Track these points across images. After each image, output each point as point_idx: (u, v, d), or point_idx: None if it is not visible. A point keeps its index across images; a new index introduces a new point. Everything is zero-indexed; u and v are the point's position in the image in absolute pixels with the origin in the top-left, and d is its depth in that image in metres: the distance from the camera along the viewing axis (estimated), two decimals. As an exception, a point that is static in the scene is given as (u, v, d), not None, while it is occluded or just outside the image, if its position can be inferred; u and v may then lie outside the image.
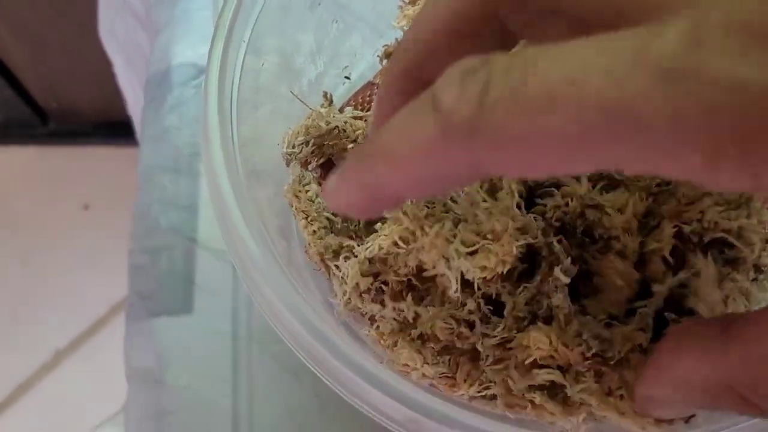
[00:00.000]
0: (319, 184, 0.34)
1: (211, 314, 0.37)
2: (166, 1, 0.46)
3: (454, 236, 0.24)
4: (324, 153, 0.33)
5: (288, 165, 0.32)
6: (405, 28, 0.34)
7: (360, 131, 0.32)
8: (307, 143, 0.32)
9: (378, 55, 0.38)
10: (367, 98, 0.35)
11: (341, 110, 0.34)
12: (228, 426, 0.34)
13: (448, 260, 0.24)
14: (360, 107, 0.35)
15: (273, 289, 0.23)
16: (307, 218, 0.30)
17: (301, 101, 0.31)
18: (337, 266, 0.28)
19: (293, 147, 0.31)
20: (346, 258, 0.28)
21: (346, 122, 0.32)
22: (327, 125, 0.31)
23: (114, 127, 1.13)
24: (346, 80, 0.37)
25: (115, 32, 0.58)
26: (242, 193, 0.25)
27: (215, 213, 0.25)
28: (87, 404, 1.06)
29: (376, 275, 0.26)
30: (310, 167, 0.33)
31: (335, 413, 0.34)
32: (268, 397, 0.35)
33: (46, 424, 1.06)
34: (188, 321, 0.37)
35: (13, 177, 1.23)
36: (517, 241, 0.23)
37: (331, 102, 0.35)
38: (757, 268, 0.29)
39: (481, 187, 0.25)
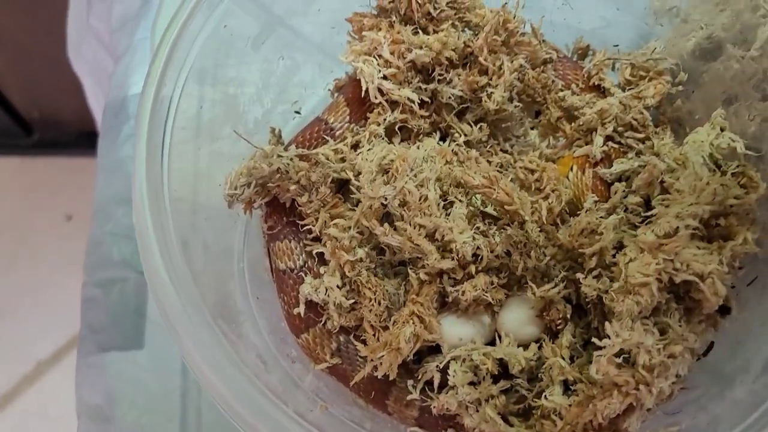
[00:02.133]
0: (266, 222, 0.34)
1: (161, 350, 0.37)
2: (125, 29, 0.46)
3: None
4: (269, 192, 0.33)
5: (230, 206, 0.32)
6: (353, 63, 0.34)
7: (302, 172, 0.32)
8: (249, 185, 0.31)
9: (329, 89, 0.38)
10: (314, 134, 0.35)
11: (287, 147, 0.34)
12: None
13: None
14: (307, 144, 0.35)
15: (202, 357, 0.23)
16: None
17: (246, 140, 0.31)
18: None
19: (235, 188, 0.31)
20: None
21: (289, 163, 0.31)
22: (269, 166, 0.31)
23: (96, 138, 1.12)
24: (297, 115, 0.37)
25: (83, 54, 0.58)
26: (169, 252, 0.25)
27: (148, 281, 0.25)
28: (70, 415, 1.06)
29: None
30: (255, 206, 0.33)
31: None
32: None
33: (28, 436, 1.06)
34: (139, 356, 0.37)
35: (-4, 187, 1.23)
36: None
37: (279, 138, 0.35)
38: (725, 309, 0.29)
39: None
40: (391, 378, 0.30)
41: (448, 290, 0.30)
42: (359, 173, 0.32)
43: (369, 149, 0.32)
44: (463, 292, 0.30)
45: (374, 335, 0.30)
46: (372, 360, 0.29)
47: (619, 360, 0.26)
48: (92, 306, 0.38)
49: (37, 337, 1.24)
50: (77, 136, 1.22)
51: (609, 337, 0.26)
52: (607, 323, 0.26)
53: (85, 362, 0.37)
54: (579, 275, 0.29)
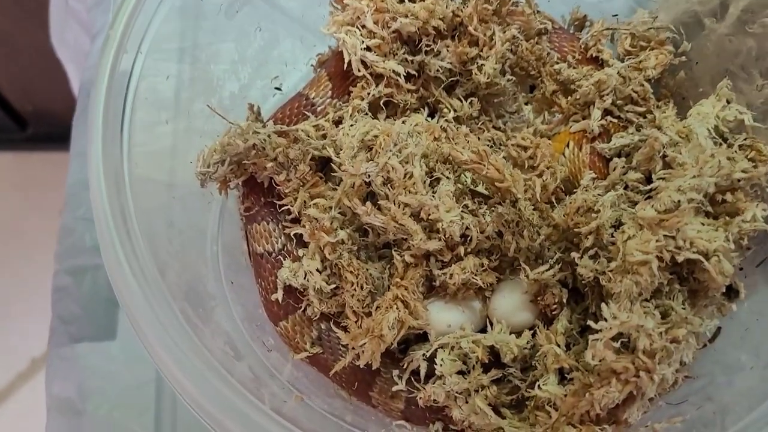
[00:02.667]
0: (242, 203, 0.32)
1: (135, 340, 0.35)
2: (101, 5, 0.44)
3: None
4: (245, 171, 0.31)
5: (203, 185, 0.30)
6: (335, 34, 0.32)
7: (280, 149, 0.30)
8: (223, 162, 0.29)
9: (312, 65, 0.36)
10: (294, 110, 0.33)
11: (266, 124, 0.32)
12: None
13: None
14: (287, 120, 0.32)
15: (166, 352, 0.21)
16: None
17: (221, 116, 0.29)
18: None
19: (208, 166, 0.29)
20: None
21: (266, 139, 0.29)
22: (245, 143, 0.29)
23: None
24: (277, 91, 0.35)
25: (65, 40, 0.57)
26: (129, 234, 0.23)
27: (107, 267, 0.23)
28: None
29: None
30: (231, 186, 0.31)
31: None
32: (192, 429, 0.33)
33: (23, 433, 1.05)
34: (111, 347, 0.35)
35: (-11, 183, 1.21)
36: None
37: (258, 115, 0.33)
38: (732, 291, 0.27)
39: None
40: (374, 367, 0.27)
41: (435, 273, 0.28)
42: (341, 150, 0.30)
43: (351, 125, 0.30)
44: (451, 275, 0.28)
45: (356, 322, 0.28)
46: (354, 348, 0.27)
47: (617, 345, 0.24)
48: (63, 296, 0.36)
49: (31, 334, 1.23)
50: (69, 130, 1.20)
51: (606, 320, 0.24)
52: (604, 305, 0.24)
53: (56, 354, 0.35)
54: (575, 255, 0.27)
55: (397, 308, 0.27)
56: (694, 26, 0.32)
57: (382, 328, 0.27)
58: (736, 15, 0.30)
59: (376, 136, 0.30)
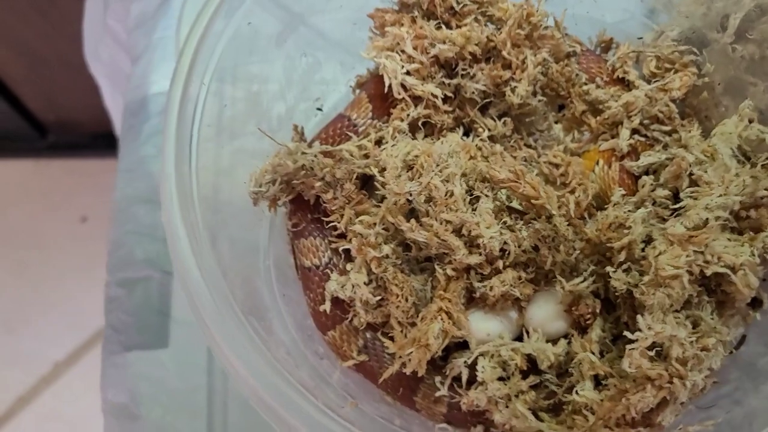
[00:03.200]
0: (290, 219, 0.34)
1: (186, 348, 0.37)
2: (143, 28, 0.46)
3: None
4: (293, 189, 0.33)
5: (255, 204, 0.32)
6: (375, 58, 0.34)
7: (327, 169, 0.32)
8: (274, 182, 0.31)
9: (351, 86, 0.38)
10: (337, 131, 0.35)
11: (311, 144, 0.34)
12: (201, 464, 0.35)
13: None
14: (330, 141, 0.34)
15: (233, 352, 0.23)
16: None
17: (270, 138, 0.31)
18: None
19: (260, 186, 0.31)
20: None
21: (314, 159, 0.31)
22: (294, 163, 0.31)
23: (112, 139, 1.13)
24: (319, 112, 0.37)
25: (99, 56, 0.59)
26: (201, 249, 0.25)
27: (178, 277, 0.25)
28: (89, 417, 1.07)
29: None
30: (279, 203, 0.33)
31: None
32: (242, 430, 0.35)
33: (47, 437, 1.07)
34: (163, 355, 0.37)
35: (10, 190, 1.24)
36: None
37: (302, 135, 0.35)
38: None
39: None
40: (419, 374, 0.29)
41: (475, 286, 0.30)
42: (384, 169, 0.32)
43: (393, 145, 0.32)
44: (491, 287, 0.30)
45: (402, 332, 0.30)
46: (400, 357, 0.29)
47: (652, 353, 0.26)
48: (115, 306, 0.38)
49: (53, 338, 1.25)
50: (92, 138, 1.23)
51: (641, 330, 0.26)
52: (639, 316, 0.26)
53: (109, 362, 0.37)
54: (609, 269, 0.29)
55: (441, 319, 0.29)
56: (699, 42, 0.34)
57: (428, 338, 0.29)
58: (735, 24, 0.32)
59: (417, 156, 0.32)
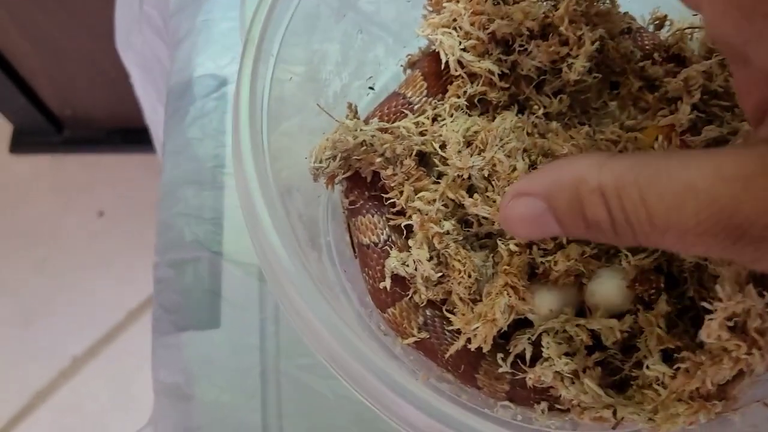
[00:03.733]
0: (347, 197, 0.34)
1: (238, 328, 0.37)
2: (185, 12, 0.46)
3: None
4: (351, 166, 0.33)
5: (315, 180, 0.32)
6: (431, 36, 0.34)
7: (387, 145, 0.31)
8: (334, 158, 0.31)
9: (401, 65, 0.38)
10: (393, 109, 0.34)
11: (366, 122, 0.34)
12: (258, 443, 0.34)
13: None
14: (386, 118, 0.34)
15: (306, 303, 0.23)
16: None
17: (329, 114, 0.31)
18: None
19: (320, 162, 0.31)
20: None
21: (373, 135, 0.31)
22: (354, 139, 0.31)
23: (128, 134, 1.13)
24: (370, 90, 0.37)
25: (132, 43, 0.59)
26: (275, 205, 0.25)
27: (247, 225, 0.26)
28: (107, 411, 1.07)
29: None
30: (336, 180, 0.33)
31: (368, 430, 0.34)
32: (298, 412, 0.35)
33: (64, 432, 1.07)
34: (215, 335, 0.37)
35: (27, 185, 1.25)
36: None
37: (356, 113, 0.35)
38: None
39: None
40: (485, 350, 0.29)
41: (538, 261, 0.30)
42: (444, 145, 0.31)
43: (452, 121, 0.32)
44: (556, 262, 0.29)
45: (466, 307, 0.30)
46: (466, 333, 0.29)
47: (731, 324, 0.26)
48: (165, 287, 0.38)
49: (72, 333, 1.26)
50: (108, 134, 1.24)
51: (721, 300, 0.25)
52: (717, 286, 0.26)
53: (160, 342, 0.37)
54: None
55: (507, 294, 0.29)
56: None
57: (495, 313, 0.29)
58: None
59: (477, 132, 0.32)
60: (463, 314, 0.29)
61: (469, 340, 0.29)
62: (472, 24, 0.33)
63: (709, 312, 0.26)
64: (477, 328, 0.28)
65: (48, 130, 1.24)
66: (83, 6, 0.93)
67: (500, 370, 0.30)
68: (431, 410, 0.23)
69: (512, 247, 0.30)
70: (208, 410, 0.35)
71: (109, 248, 1.20)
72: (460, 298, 0.30)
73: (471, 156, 0.30)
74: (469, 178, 0.31)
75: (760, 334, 0.25)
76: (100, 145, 1.20)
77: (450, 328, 0.29)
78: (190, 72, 0.43)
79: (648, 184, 0.17)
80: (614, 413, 0.29)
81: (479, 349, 0.30)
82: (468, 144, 0.31)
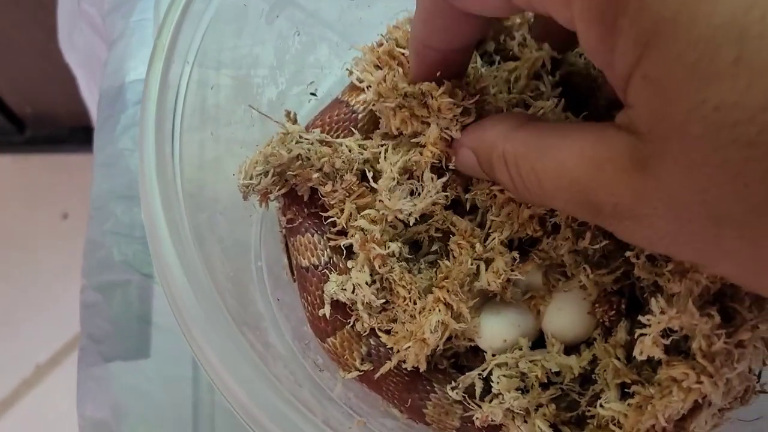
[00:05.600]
0: (284, 215, 0.30)
1: (169, 358, 0.34)
2: (120, 11, 0.42)
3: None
4: (287, 182, 0.29)
5: (245, 198, 0.28)
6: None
7: (326, 159, 0.28)
8: (266, 173, 0.28)
9: (347, 68, 0.34)
10: (335, 118, 0.31)
11: (307, 130, 0.30)
12: (188, 486, 0.31)
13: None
14: (328, 128, 0.31)
15: (225, 366, 0.20)
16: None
17: (267, 116, 0.27)
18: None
19: (251, 178, 0.27)
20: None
21: (309, 149, 0.27)
22: (289, 153, 0.27)
23: (90, 133, 1.07)
24: (312, 97, 0.33)
25: (74, 43, 0.54)
26: (184, 239, 0.21)
27: (155, 267, 0.22)
28: (69, 420, 1.02)
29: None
30: (271, 197, 0.29)
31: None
32: None
33: (29, 441, 1.02)
34: (145, 366, 0.34)
35: (-13, 187, 1.18)
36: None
37: (295, 122, 0.31)
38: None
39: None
40: (421, 370, 0.26)
41: (480, 269, 0.26)
42: (378, 174, 0.28)
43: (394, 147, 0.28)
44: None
45: (403, 326, 0.26)
46: (398, 351, 0.26)
47: (667, 342, 0.22)
48: (93, 313, 0.34)
49: (35, 340, 1.19)
50: (71, 132, 1.17)
51: (654, 314, 0.22)
52: (653, 299, 0.23)
53: (87, 374, 0.34)
54: (629, 254, 0.25)
55: (439, 310, 0.26)
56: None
57: (424, 332, 0.25)
58: None
59: (417, 162, 0.28)
60: (396, 332, 0.25)
61: (402, 361, 0.25)
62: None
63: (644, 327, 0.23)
64: (408, 347, 0.25)
65: (9, 130, 1.17)
66: (36, 1, 0.87)
67: (452, 396, 0.26)
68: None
69: (453, 246, 0.26)
70: (136, 450, 0.31)
71: (74, 251, 1.13)
72: (402, 323, 0.26)
73: (404, 198, 0.26)
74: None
75: (709, 359, 0.22)
76: (63, 144, 1.14)
77: (389, 346, 0.26)
78: (123, 76, 0.39)
79: (537, 158, 0.19)
80: None
81: (428, 380, 0.26)
82: (406, 173, 0.27)
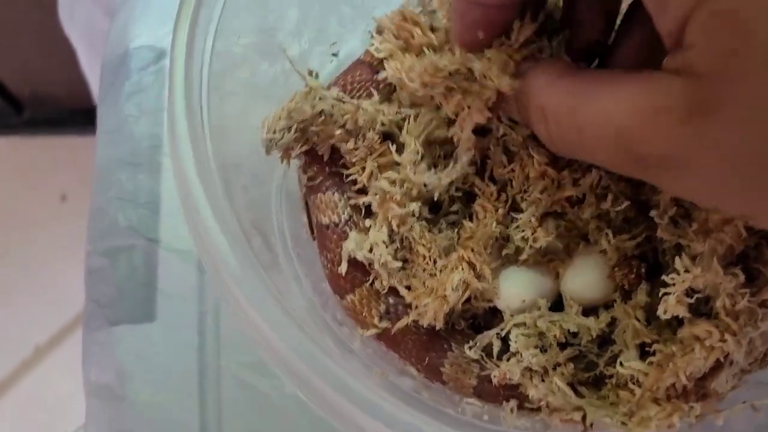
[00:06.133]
0: (305, 172, 0.29)
1: (175, 322, 0.32)
2: (122, -22, 0.40)
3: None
4: (309, 139, 0.27)
5: (268, 153, 0.27)
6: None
7: (348, 116, 0.26)
8: (289, 128, 0.27)
9: (369, 31, 0.33)
10: (357, 78, 0.30)
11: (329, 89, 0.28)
12: (195, 447, 0.29)
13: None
14: (349, 89, 0.29)
15: (249, 298, 0.18)
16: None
17: (294, 67, 0.25)
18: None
19: (274, 132, 0.26)
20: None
21: (333, 105, 0.26)
22: (312, 108, 0.26)
23: (91, 114, 1.04)
24: (334, 58, 0.32)
25: (75, 17, 0.52)
26: (214, 186, 0.20)
27: (184, 212, 0.21)
28: (70, 400, 0.99)
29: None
30: (293, 154, 0.28)
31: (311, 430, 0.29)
32: (239, 414, 0.30)
33: (27, 423, 0.99)
34: (150, 330, 0.32)
35: (-14, 169, 1.14)
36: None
37: (317, 79, 0.30)
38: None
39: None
40: (437, 327, 0.25)
41: (510, 234, 0.25)
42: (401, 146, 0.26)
43: (415, 118, 0.26)
44: (536, 239, 0.25)
45: (423, 283, 0.25)
46: (417, 307, 0.24)
47: (691, 300, 0.22)
48: (98, 278, 0.33)
49: (34, 321, 1.16)
50: (70, 114, 1.14)
51: (678, 273, 0.22)
52: (677, 258, 0.22)
53: (92, 339, 0.32)
54: (653, 214, 0.24)
55: (462, 269, 0.25)
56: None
57: (446, 289, 0.24)
58: None
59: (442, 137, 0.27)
60: (416, 288, 0.24)
61: (420, 318, 0.24)
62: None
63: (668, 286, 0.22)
64: (427, 303, 0.24)
65: (7, 112, 1.13)
66: (32, -24, 0.84)
67: (469, 353, 0.25)
68: (386, 417, 0.18)
69: (477, 208, 0.25)
70: (142, 411, 0.30)
71: (73, 233, 1.10)
72: (423, 283, 0.25)
73: (428, 170, 0.25)
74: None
75: (733, 317, 0.21)
76: (62, 126, 1.10)
77: (408, 301, 0.25)
78: (126, 44, 0.37)
79: (579, 108, 0.18)
80: (583, 417, 0.25)
81: (446, 339, 0.25)
82: (429, 145, 0.26)
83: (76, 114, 1.10)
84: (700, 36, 0.14)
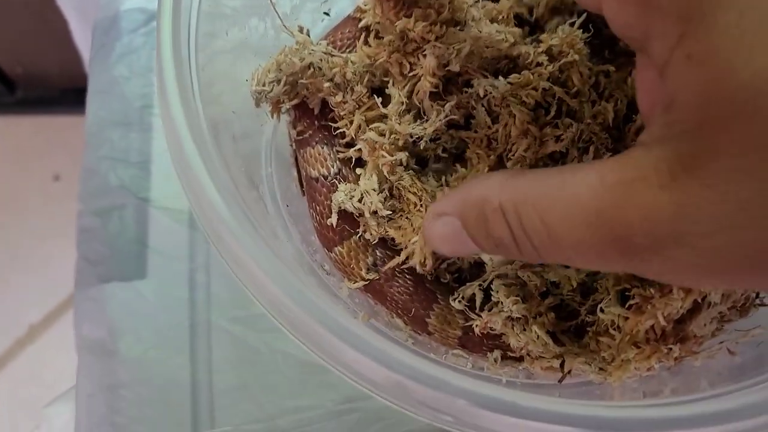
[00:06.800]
0: (294, 127, 0.28)
1: (166, 279, 0.32)
2: (115, -62, 0.38)
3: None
4: (298, 93, 0.27)
5: (257, 105, 0.26)
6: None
7: (337, 69, 0.26)
8: (278, 81, 0.26)
9: (361, -13, 0.32)
10: (346, 34, 0.29)
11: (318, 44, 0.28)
12: (186, 400, 0.29)
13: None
14: (339, 45, 0.28)
15: (240, 243, 0.18)
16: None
17: (281, 21, 0.24)
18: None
19: (263, 85, 0.25)
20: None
21: (322, 59, 0.25)
22: (301, 61, 0.25)
23: (84, 93, 1.01)
24: (326, 16, 0.31)
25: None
26: (204, 138, 0.19)
27: (174, 163, 0.20)
28: (64, 379, 0.98)
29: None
30: (282, 108, 0.27)
31: (305, 384, 0.29)
32: (230, 368, 0.30)
33: (22, 401, 0.98)
34: (142, 287, 0.32)
35: (-21, 149, 1.11)
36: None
37: (307, 36, 0.29)
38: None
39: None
40: (427, 267, 0.25)
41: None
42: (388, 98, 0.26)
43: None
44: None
45: (406, 222, 0.25)
46: (406, 247, 0.24)
47: None
48: (89, 237, 0.32)
49: (28, 300, 1.14)
50: (63, 93, 1.10)
51: None
52: None
53: (84, 296, 0.31)
54: None
55: None
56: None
57: None
58: None
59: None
60: (404, 228, 0.24)
61: (409, 257, 0.24)
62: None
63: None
64: (416, 241, 0.23)
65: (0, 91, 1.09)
66: (27, -45, 0.81)
67: (454, 306, 0.25)
68: (378, 354, 0.18)
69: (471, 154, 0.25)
70: (133, 366, 0.30)
71: (66, 213, 1.08)
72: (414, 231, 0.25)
73: (412, 122, 0.24)
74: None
75: None
76: (54, 105, 1.07)
77: (402, 267, 0.24)
78: (117, 5, 0.36)
79: (543, 201, 0.16)
80: (562, 364, 0.24)
81: (432, 292, 0.25)
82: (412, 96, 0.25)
83: (68, 93, 1.08)
84: (681, 82, 0.13)
